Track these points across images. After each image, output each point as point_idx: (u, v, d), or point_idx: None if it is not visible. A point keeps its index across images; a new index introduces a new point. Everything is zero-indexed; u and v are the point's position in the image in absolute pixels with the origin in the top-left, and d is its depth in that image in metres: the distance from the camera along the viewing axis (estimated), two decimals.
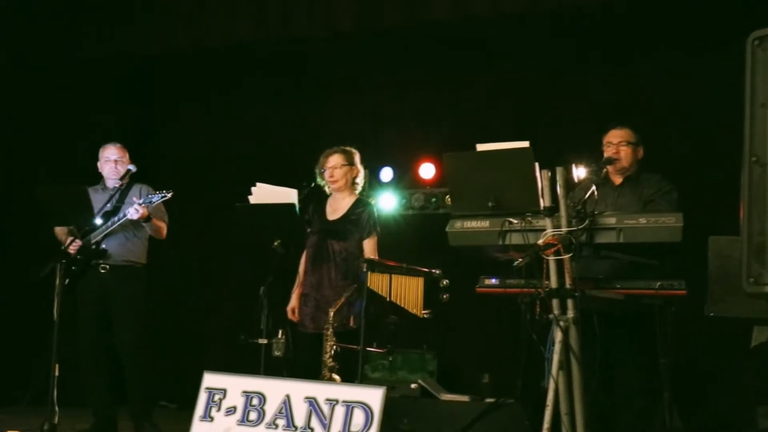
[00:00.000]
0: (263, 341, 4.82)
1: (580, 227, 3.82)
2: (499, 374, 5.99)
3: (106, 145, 5.77)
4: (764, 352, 4.01)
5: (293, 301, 5.23)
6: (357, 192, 5.29)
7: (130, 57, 7.58)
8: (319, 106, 7.72)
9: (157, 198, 5.45)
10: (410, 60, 7.38)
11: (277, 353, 4.90)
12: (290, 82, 7.77)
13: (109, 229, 5.52)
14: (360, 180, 5.30)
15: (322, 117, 7.63)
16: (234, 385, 4.10)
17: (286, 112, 7.80)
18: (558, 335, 3.80)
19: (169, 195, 5.48)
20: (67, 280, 5.40)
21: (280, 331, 4.99)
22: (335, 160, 5.20)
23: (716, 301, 3.90)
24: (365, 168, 6.42)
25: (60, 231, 5.70)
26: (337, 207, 5.23)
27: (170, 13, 7.23)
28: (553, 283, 3.84)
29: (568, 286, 3.81)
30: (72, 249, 5.45)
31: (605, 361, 4.24)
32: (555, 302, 3.85)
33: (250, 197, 4.97)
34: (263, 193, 4.94)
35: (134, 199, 5.46)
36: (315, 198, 5.25)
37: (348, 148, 5.26)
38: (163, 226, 5.69)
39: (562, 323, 3.80)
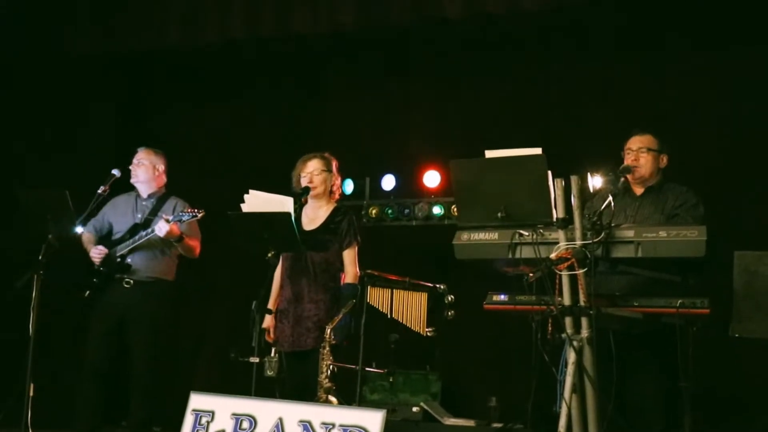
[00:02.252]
0: (255, 360, 4.78)
1: (596, 240, 3.81)
2: (507, 397, 5.97)
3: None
4: None
5: (269, 320, 5.17)
6: (335, 201, 5.30)
7: (121, 54, 7.58)
8: (318, 109, 7.71)
9: (187, 217, 5.50)
10: (416, 61, 7.38)
11: (269, 373, 4.87)
12: (288, 84, 7.77)
13: (136, 244, 5.58)
14: (337, 188, 5.31)
15: (321, 121, 7.62)
16: (223, 407, 4.08)
17: (284, 115, 7.80)
18: (571, 356, 3.79)
19: (200, 215, 5.53)
20: (87, 293, 5.55)
21: (273, 349, 4.97)
22: (314, 165, 5.21)
23: (742, 320, 3.89)
24: (366, 176, 6.42)
25: (87, 239, 5.75)
26: (315, 216, 5.22)
27: (164, 8, 7.23)
28: (567, 300, 3.83)
29: (582, 303, 3.80)
30: (96, 258, 5.56)
31: (622, 383, 4.22)
32: (568, 320, 3.84)
33: (242, 205, 4.96)
34: (257, 201, 4.92)
35: (163, 215, 5.51)
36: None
37: (326, 155, 5.28)
38: (196, 246, 5.74)
39: (575, 343, 3.79)
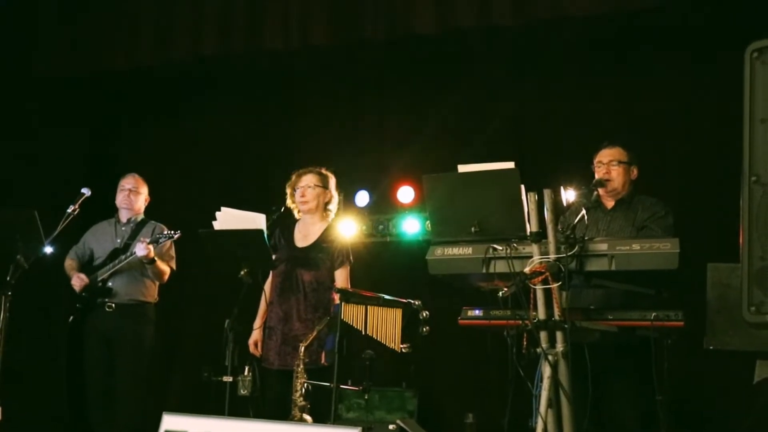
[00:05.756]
0: (228, 379, 4.77)
1: (570, 254, 3.81)
2: (483, 413, 5.96)
3: (125, 175, 5.95)
4: None
5: (255, 335, 5.18)
6: (329, 219, 5.27)
7: (91, 74, 7.55)
8: (291, 125, 7.71)
9: (164, 238, 5.58)
10: (388, 77, 7.40)
11: (243, 392, 4.86)
12: (261, 101, 7.76)
13: (116, 267, 5.65)
14: (333, 206, 5.28)
15: (295, 137, 7.62)
16: (196, 427, 4.05)
17: (257, 132, 7.79)
18: (547, 370, 3.79)
19: (177, 235, 5.61)
20: (71, 318, 5.64)
21: (247, 368, 4.95)
22: (309, 179, 5.19)
23: (716, 332, 3.90)
24: (339, 192, 6.40)
25: (69, 265, 5.82)
26: (307, 233, 5.20)
27: (134, 27, 7.21)
28: (541, 314, 3.83)
29: (557, 317, 3.81)
30: (77, 285, 5.62)
31: (597, 397, 4.23)
32: (543, 335, 3.84)
33: (214, 223, 4.94)
34: (228, 219, 4.91)
35: (142, 238, 5.58)
36: (282, 222, 5.21)
37: (324, 171, 5.26)
38: (166, 271, 5.79)
39: (550, 357, 3.79)
